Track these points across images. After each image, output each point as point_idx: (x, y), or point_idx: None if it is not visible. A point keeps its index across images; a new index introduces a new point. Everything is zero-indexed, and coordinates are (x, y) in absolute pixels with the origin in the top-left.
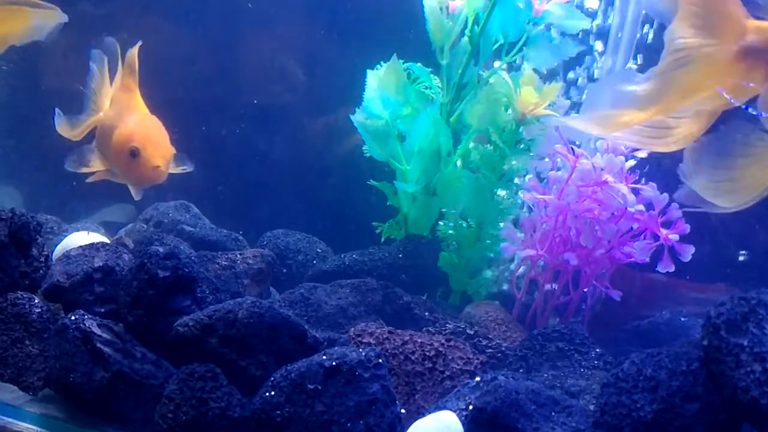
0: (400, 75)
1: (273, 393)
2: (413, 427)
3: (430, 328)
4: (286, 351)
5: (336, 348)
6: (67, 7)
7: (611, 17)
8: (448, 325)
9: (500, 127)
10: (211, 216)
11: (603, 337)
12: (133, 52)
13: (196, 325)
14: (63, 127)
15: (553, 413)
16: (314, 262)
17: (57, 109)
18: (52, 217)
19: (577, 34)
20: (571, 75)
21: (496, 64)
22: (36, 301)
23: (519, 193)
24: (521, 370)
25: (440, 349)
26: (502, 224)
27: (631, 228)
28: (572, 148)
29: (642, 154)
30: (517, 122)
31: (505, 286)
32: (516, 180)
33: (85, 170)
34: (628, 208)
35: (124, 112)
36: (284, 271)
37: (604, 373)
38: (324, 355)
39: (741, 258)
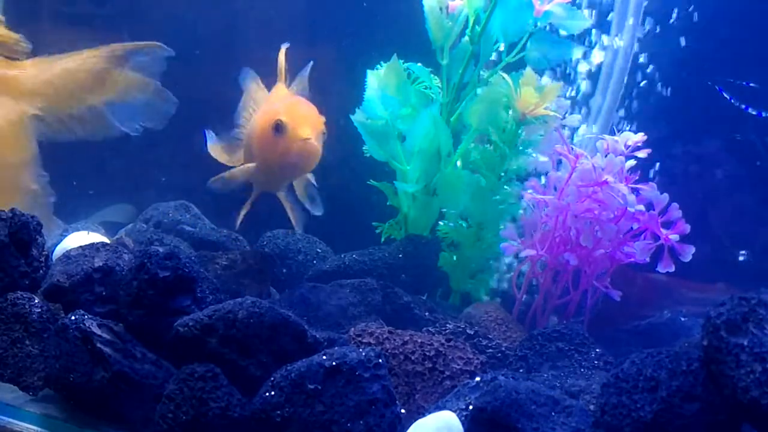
0: (400, 75)
1: (273, 393)
2: (413, 427)
3: (430, 328)
4: (286, 351)
5: (336, 348)
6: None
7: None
8: (448, 325)
9: (500, 127)
10: (211, 216)
11: (603, 337)
12: (281, 56)
13: (196, 325)
14: (216, 151)
15: (553, 413)
16: (314, 262)
17: (209, 131)
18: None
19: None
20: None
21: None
22: (36, 301)
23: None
24: (521, 370)
25: (440, 349)
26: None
27: (631, 228)
28: (572, 148)
29: (642, 154)
30: (517, 122)
31: (499, 287)
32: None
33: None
34: (628, 208)
35: (271, 102)
36: (284, 271)
37: (604, 373)
38: (324, 355)
39: (741, 258)
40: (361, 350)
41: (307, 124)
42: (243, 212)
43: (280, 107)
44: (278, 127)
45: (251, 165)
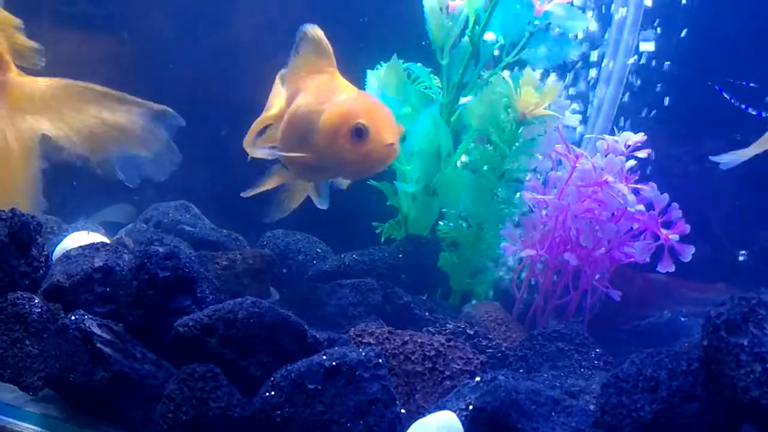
0: (400, 75)
1: (273, 393)
2: (413, 427)
3: (430, 328)
4: (286, 351)
5: (336, 348)
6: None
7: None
8: (448, 325)
9: (500, 127)
10: (211, 216)
11: (603, 337)
12: (315, 31)
13: (196, 325)
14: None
15: (553, 413)
16: (314, 262)
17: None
18: (52, 217)
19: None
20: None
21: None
22: (36, 301)
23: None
24: (521, 370)
25: (440, 349)
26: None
27: (631, 228)
28: (572, 148)
29: (642, 154)
30: (517, 122)
31: (499, 287)
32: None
33: (266, 187)
34: (628, 208)
35: (327, 94)
36: (284, 271)
37: (604, 373)
38: (324, 355)
39: (741, 258)
40: (361, 350)
41: (389, 127)
42: (260, 189)
43: (356, 108)
44: (359, 132)
45: (290, 168)
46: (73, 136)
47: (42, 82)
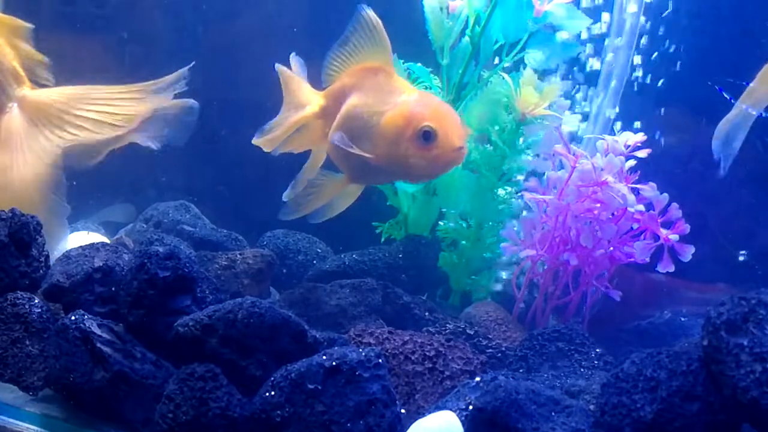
0: (401, 74)
1: (273, 393)
2: (413, 427)
3: (430, 328)
4: (286, 351)
5: (336, 348)
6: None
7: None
8: (448, 325)
9: (500, 127)
10: (211, 216)
11: (603, 337)
12: (373, 20)
13: (196, 325)
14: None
15: (553, 413)
16: (314, 262)
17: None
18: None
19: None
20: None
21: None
22: (36, 301)
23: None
24: (521, 370)
25: (440, 349)
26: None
27: (631, 228)
28: (572, 148)
29: (642, 154)
30: (517, 122)
31: (499, 287)
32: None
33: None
34: (628, 208)
35: (387, 94)
36: (284, 271)
37: (604, 373)
38: (324, 355)
39: (741, 258)
40: (361, 350)
41: (457, 130)
42: (314, 204)
43: (423, 109)
44: (427, 135)
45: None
46: (92, 141)
47: (54, 93)
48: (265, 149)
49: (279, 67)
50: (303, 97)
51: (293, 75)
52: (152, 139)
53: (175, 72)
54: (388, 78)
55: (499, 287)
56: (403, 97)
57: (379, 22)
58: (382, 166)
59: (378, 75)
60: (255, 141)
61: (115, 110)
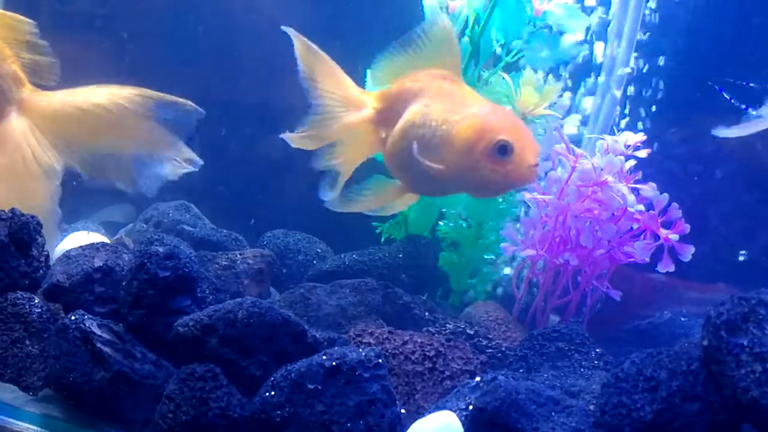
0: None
1: (273, 393)
2: (413, 427)
3: (430, 328)
4: (286, 351)
5: (336, 348)
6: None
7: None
8: (448, 325)
9: None
10: (211, 216)
11: (603, 337)
12: (445, 25)
13: (196, 325)
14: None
15: (553, 413)
16: (314, 262)
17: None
18: None
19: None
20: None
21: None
22: (36, 301)
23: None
24: (521, 370)
25: (440, 349)
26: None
27: (631, 228)
28: (572, 149)
29: (642, 154)
30: None
31: (499, 289)
32: None
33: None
34: (628, 208)
35: (457, 104)
36: (284, 271)
37: (604, 373)
38: (324, 355)
39: (741, 258)
40: (361, 350)
41: (532, 146)
42: (361, 206)
43: (498, 122)
44: (502, 150)
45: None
46: (88, 151)
47: (56, 97)
48: (306, 148)
49: (317, 58)
50: (352, 97)
51: (335, 69)
52: (146, 184)
53: (182, 100)
54: (457, 86)
55: (499, 288)
56: (476, 108)
57: (452, 28)
58: (448, 178)
59: (445, 82)
60: (296, 142)
61: (119, 119)
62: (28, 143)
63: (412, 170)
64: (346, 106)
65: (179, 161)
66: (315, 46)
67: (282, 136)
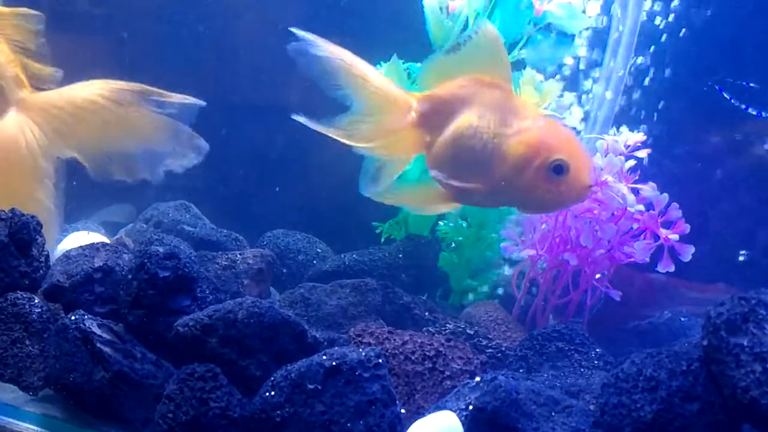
0: (400, 75)
1: (273, 393)
2: (413, 427)
3: (430, 328)
4: (286, 351)
5: (336, 348)
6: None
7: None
8: (448, 325)
9: None
10: (211, 216)
11: (603, 337)
12: (492, 32)
13: (196, 325)
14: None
15: (553, 413)
16: (314, 262)
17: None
18: None
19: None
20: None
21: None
22: (36, 301)
23: None
24: (521, 370)
25: (440, 349)
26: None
27: (631, 228)
28: None
29: (642, 154)
30: None
31: (499, 290)
32: None
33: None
34: (628, 208)
35: (509, 116)
36: (284, 271)
37: (604, 373)
38: (324, 355)
39: (741, 258)
40: (361, 350)
41: (588, 166)
42: (397, 200)
43: (553, 140)
44: (558, 169)
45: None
46: (91, 148)
47: (54, 95)
48: (345, 141)
49: (349, 58)
50: (395, 98)
51: (377, 71)
52: (154, 171)
53: (182, 96)
54: (508, 96)
55: (499, 288)
56: (529, 122)
57: (499, 36)
58: (497, 192)
59: (495, 91)
60: (334, 134)
61: (120, 118)
62: (26, 141)
63: (458, 180)
64: (389, 106)
65: (184, 150)
66: (364, 67)
67: (316, 127)
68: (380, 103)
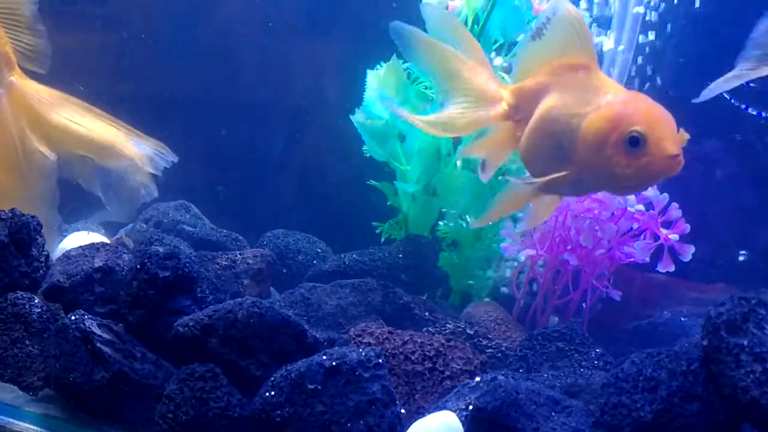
0: (400, 75)
1: (273, 393)
2: (413, 427)
3: (430, 328)
4: (286, 351)
5: (336, 348)
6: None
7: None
8: (448, 325)
9: None
10: (211, 216)
11: (603, 337)
12: (573, 12)
13: (196, 325)
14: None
15: (553, 413)
16: (314, 262)
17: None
18: None
19: None
20: None
21: (497, 60)
22: (36, 301)
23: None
24: (521, 370)
25: (440, 349)
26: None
27: (631, 228)
28: None
29: None
30: None
31: (505, 289)
32: None
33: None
34: (628, 208)
35: (589, 94)
36: (284, 271)
37: (604, 373)
38: (324, 355)
39: (741, 258)
40: (361, 350)
41: (671, 135)
42: (495, 213)
43: (629, 111)
44: (634, 141)
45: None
46: (65, 152)
47: (43, 90)
48: (435, 133)
49: (452, 51)
50: (489, 92)
51: (472, 63)
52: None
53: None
54: (591, 75)
55: (499, 288)
56: (609, 98)
57: (580, 14)
58: (582, 176)
59: (578, 72)
60: (425, 128)
61: (98, 129)
62: (15, 131)
63: (547, 170)
64: (481, 101)
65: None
66: (456, 56)
67: (412, 120)
68: (474, 98)
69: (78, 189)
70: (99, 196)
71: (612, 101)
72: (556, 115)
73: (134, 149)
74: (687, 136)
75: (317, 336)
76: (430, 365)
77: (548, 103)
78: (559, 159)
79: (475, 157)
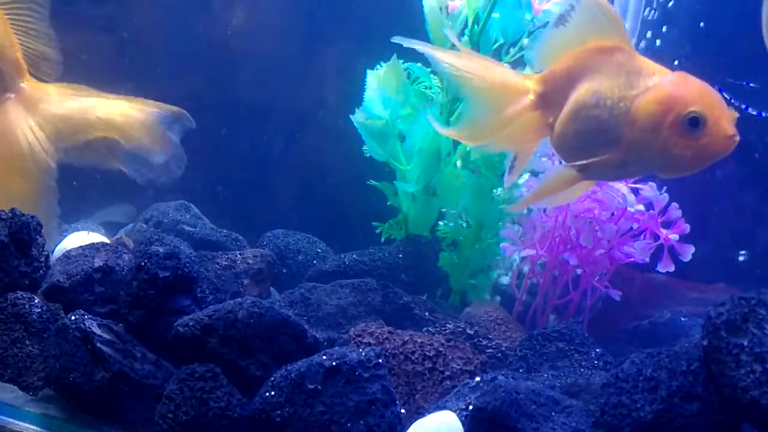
0: (400, 75)
1: (273, 393)
2: (413, 427)
3: (430, 328)
4: (286, 351)
5: (336, 348)
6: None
7: None
8: (448, 325)
9: None
10: (211, 216)
11: (603, 337)
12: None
13: (196, 325)
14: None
15: (553, 413)
16: (314, 262)
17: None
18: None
19: None
20: None
21: None
22: (36, 301)
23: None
24: (521, 370)
25: (440, 349)
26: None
27: (631, 228)
28: None
29: None
30: None
31: (505, 279)
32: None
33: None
34: (628, 208)
35: (633, 77)
36: (284, 271)
37: (604, 373)
38: (324, 355)
39: (741, 258)
40: (361, 350)
41: (727, 114)
42: (535, 198)
43: (685, 92)
44: (694, 122)
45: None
46: (82, 145)
47: (53, 90)
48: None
49: (464, 53)
50: (511, 84)
51: (487, 59)
52: (139, 172)
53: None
54: (630, 57)
55: (499, 287)
56: (656, 79)
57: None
58: (630, 160)
59: (615, 54)
60: (451, 133)
61: (113, 117)
62: (25, 136)
63: (586, 156)
64: (505, 95)
65: (171, 159)
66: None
67: (442, 131)
68: (496, 97)
69: (78, 189)
70: (133, 177)
71: (662, 83)
72: (599, 99)
73: (156, 122)
74: (737, 114)
75: (317, 336)
76: (430, 365)
77: (588, 87)
78: (603, 143)
79: (501, 151)
